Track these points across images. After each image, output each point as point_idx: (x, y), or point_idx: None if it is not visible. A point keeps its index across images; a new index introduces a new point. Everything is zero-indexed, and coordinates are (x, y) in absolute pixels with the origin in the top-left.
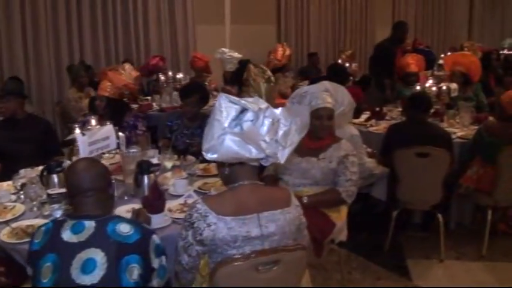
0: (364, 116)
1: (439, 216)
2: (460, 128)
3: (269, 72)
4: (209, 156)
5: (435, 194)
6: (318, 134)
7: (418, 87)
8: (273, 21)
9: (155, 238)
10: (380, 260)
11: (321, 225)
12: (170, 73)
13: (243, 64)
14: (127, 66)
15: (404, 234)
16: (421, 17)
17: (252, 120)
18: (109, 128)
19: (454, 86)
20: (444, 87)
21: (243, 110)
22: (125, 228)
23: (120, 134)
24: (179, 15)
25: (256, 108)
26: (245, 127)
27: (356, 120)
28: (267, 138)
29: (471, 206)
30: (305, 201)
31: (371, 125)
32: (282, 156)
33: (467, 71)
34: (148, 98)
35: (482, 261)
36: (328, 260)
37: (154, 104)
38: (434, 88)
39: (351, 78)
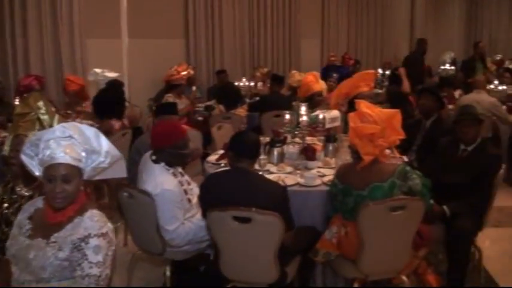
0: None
1: None
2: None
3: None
4: None
5: (267, 271)
6: (52, 203)
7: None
8: (181, 36)
9: None
10: None
11: None
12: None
13: (115, 86)
14: None
15: None
16: (354, 29)
17: None
18: None
19: (333, 113)
20: (321, 116)
21: None
22: None
23: None
24: (64, 27)
25: None
26: None
27: (210, 159)
28: None
29: None
30: None
31: (225, 166)
32: None
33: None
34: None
35: None
36: None
37: None
38: (305, 118)
39: (256, 98)
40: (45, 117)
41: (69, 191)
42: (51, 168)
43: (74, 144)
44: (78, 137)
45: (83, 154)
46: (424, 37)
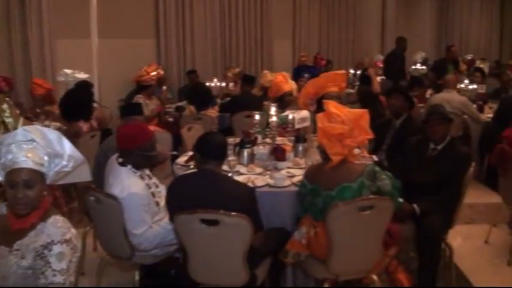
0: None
1: None
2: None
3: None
4: None
5: (236, 274)
6: (15, 209)
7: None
8: (151, 36)
9: None
10: None
11: None
12: None
13: (83, 87)
14: None
15: None
16: (325, 30)
17: None
18: None
19: (303, 114)
20: (290, 116)
21: None
22: None
23: None
24: (33, 27)
25: None
26: None
27: (179, 160)
28: None
29: None
30: None
31: (194, 167)
32: None
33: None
34: None
35: None
36: None
37: None
38: (274, 118)
39: (227, 99)
40: (9, 120)
41: (32, 197)
42: (13, 173)
43: (36, 148)
44: (41, 141)
45: (46, 158)
46: (395, 35)
